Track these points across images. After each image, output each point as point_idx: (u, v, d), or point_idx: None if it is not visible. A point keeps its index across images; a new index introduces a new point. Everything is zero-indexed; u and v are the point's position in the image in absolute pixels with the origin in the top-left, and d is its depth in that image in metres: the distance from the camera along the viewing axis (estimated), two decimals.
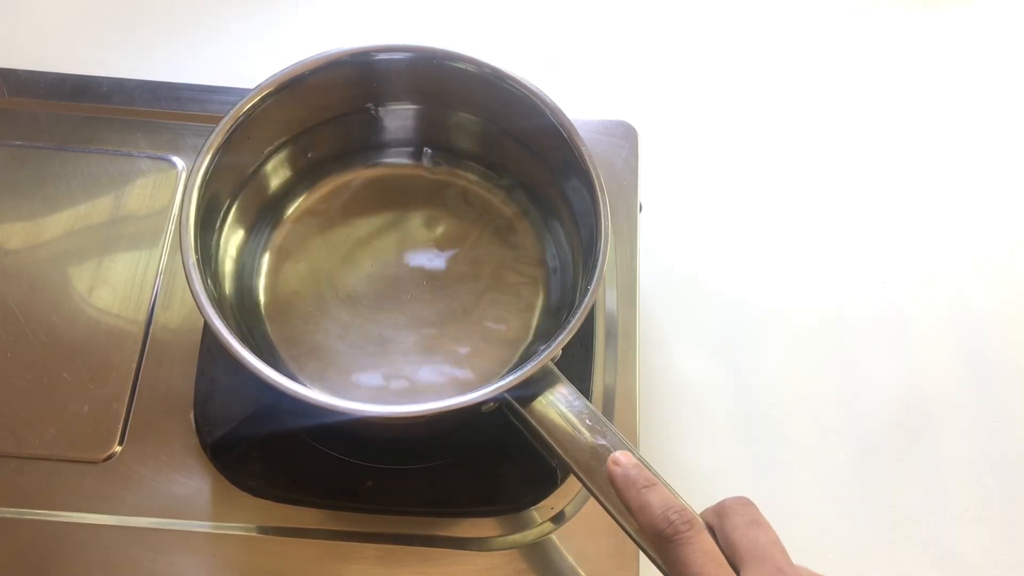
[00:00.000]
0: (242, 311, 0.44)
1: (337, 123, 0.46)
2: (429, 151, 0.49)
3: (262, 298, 0.45)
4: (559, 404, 0.36)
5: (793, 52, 0.66)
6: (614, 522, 0.35)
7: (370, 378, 0.44)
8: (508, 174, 0.48)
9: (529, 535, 0.42)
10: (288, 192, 0.47)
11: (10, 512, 0.41)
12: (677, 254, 0.57)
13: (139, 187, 0.50)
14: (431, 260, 0.47)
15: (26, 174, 0.49)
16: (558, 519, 0.43)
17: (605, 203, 0.39)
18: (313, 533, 0.42)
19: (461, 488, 0.43)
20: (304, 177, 0.47)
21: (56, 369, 0.44)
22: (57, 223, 0.48)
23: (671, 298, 0.56)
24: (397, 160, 0.49)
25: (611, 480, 0.34)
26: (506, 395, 0.36)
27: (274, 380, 0.35)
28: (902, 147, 0.62)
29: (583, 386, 0.45)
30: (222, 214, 0.43)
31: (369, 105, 0.46)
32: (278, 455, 0.43)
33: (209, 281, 0.39)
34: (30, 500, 0.42)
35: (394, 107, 0.47)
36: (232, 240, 0.44)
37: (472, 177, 0.49)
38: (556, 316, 0.44)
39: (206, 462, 0.43)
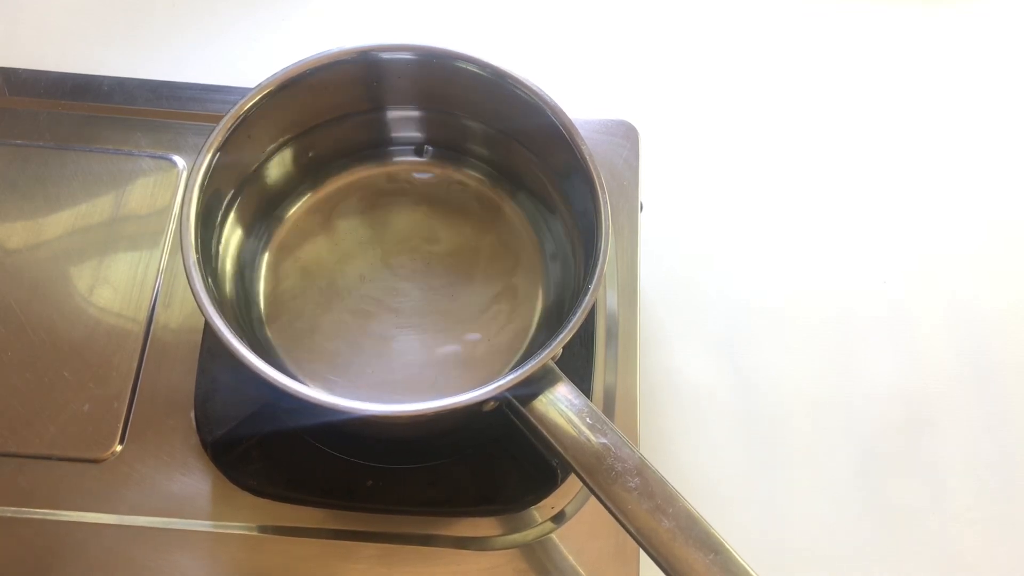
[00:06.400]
0: (243, 310, 0.44)
1: (338, 122, 0.46)
2: (430, 150, 0.49)
3: (263, 297, 0.45)
4: (560, 403, 0.36)
5: (794, 52, 0.66)
6: (615, 521, 0.35)
7: (371, 377, 0.44)
8: (509, 173, 0.48)
9: (529, 534, 0.42)
10: (289, 191, 0.47)
11: (10, 511, 0.41)
12: (678, 253, 0.57)
13: (140, 186, 0.50)
14: (431, 259, 0.47)
15: (27, 173, 0.49)
16: (558, 518, 0.43)
17: (606, 202, 0.39)
18: (313, 532, 0.42)
19: (461, 487, 0.43)
20: (305, 176, 0.47)
21: (57, 368, 0.44)
22: (58, 222, 0.48)
23: (672, 297, 0.56)
24: (398, 159, 0.49)
25: None
26: (507, 394, 0.36)
27: (275, 379, 0.35)
28: (902, 147, 0.62)
29: (584, 385, 0.45)
30: (223, 213, 0.43)
31: (370, 104, 0.46)
32: (278, 454, 0.43)
33: (210, 280, 0.39)
34: (30, 499, 0.42)
35: (395, 106, 0.47)
36: (233, 239, 0.44)
37: (473, 175, 0.49)
38: (557, 315, 0.44)
39: (207, 461, 0.43)
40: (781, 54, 0.66)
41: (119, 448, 0.43)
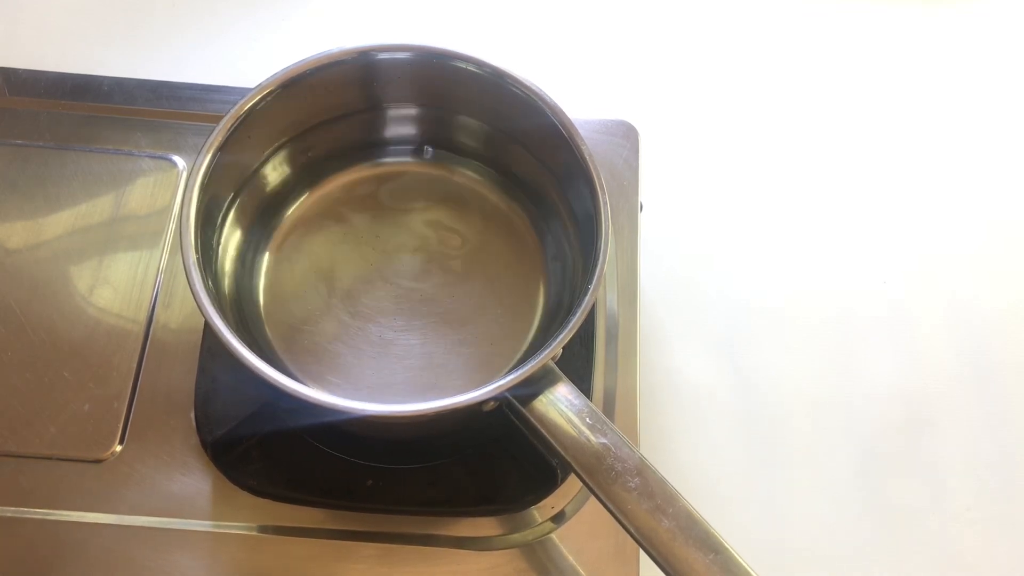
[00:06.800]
0: (243, 310, 0.44)
1: (338, 122, 0.46)
2: (430, 150, 0.49)
3: (262, 297, 0.45)
4: (560, 403, 0.36)
5: (794, 52, 0.66)
6: (615, 521, 0.35)
7: (370, 377, 0.44)
8: (509, 173, 0.48)
9: (529, 535, 0.42)
10: (289, 191, 0.47)
11: (10, 511, 0.41)
12: (678, 254, 0.57)
13: (140, 186, 0.50)
14: (432, 259, 0.47)
15: (27, 173, 0.49)
16: (558, 518, 0.43)
17: (606, 202, 0.39)
18: (313, 532, 0.42)
19: (461, 487, 0.43)
20: (305, 176, 0.47)
21: (57, 368, 0.44)
22: (58, 222, 0.48)
23: (672, 297, 0.56)
24: (398, 159, 0.49)
25: None
26: (507, 394, 0.36)
27: (275, 379, 0.35)
28: (903, 147, 0.62)
29: (583, 385, 0.45)
30: (223, 213, 0.43)
31: (369, 104, 0.46)
32: (278, 454, 0.43)
33: (210, 280, 0.39)
34: (31, 499, 0.42)
35: (395, 106, 0.47)
36: (233, 239, 0.44)
37: (473, 176, 0.49)
38: (556, 315, 0.44)
39: (207, 461, 0.43)
40: (781, 54, 0.66)
41: (119, 448, 0.43)
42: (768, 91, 0.64)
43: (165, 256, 0.48)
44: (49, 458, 0.42)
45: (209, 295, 0.37)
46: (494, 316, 0.45)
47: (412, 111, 0.47)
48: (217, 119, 0.41)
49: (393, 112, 0.47)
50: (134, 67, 0.59)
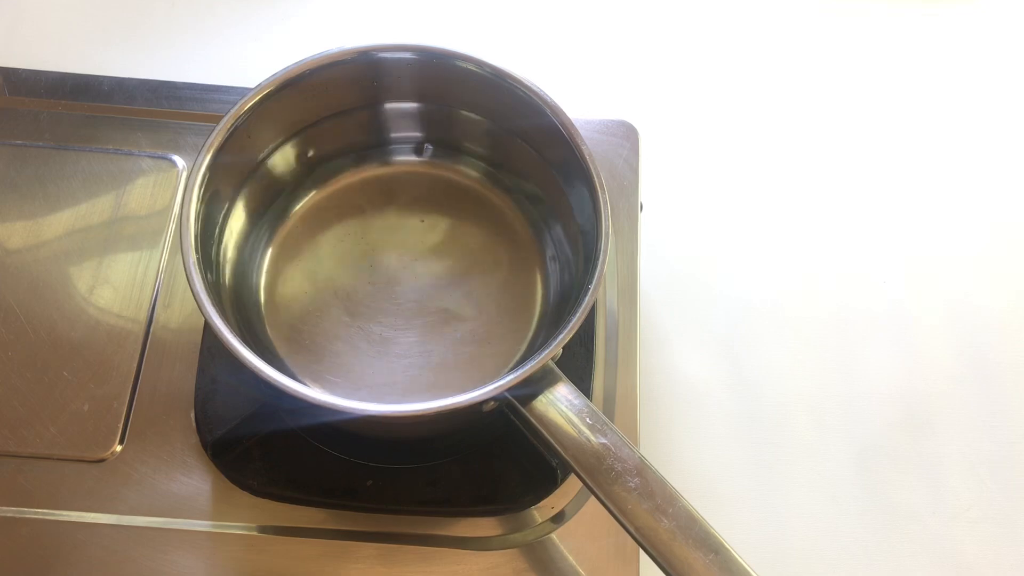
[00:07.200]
0: (243, 310, 0.44)
1: (338, 122, 0.46)
2: (430, 148, 0.49)
3: (263, 297, 0.45)
4: (560, 403, 0.36)
5: (794, 52, 0.66)
6: (614, 521, 0.35)
7: (371, 378, 0.44)
8: (509, 173, 0.48)
9: (529, 535, 0.42)
10: (288, 191, 0.47)
11: (10, 511, 0.41)
12: (678, 253, 0.57)
13: (140, 186, 0.50)
14: (431, 259, 0.47)
15: (27, 173, 0.50)
16: (558, 519, 0.43)
17: (606, 202, 0.39)
18: (313, 532, 0.42)
19: (461, 487, 0.43)
20: (304, 176, 0.47)
21: (57, 368, 0.44)
22: (58, 222, 0.48)
23: (672, 297, 0.56)
24: (398, 158, 0.49)
25: None
26: (507, 394, 0.36)
27: (275, 379, 0.35)
28: (903, 147, 0.62)
29: (583, 385, 0.45)
30: (223, 213, 0.43)
31: (369, 104, 0.46)
32: (278, 454, 0.43)
33: (210, 280, 0.39)
34: (30, 499, 0.42)
35: (395, 106, 0.47)
36: (233, 239, 0.44)
37: (473, 175, 0.49)
38: (557, 315, 0.44)
39: (207, 461, 0.43)
40: (781, 54, 0.66)
41: (119, 448, 0.43)
42: (768, 91, 0.64)
43: (165, 256, 0.48)
44: (49, 458, 0.42)
45: (209, 295, 0.37)
46: (494, 316, 0.45)
47: (412, 111, 0.47)
48: (217, 119, 0.41)
49: (393, 112, 0.47)
50: (134, 67, 0.59)
